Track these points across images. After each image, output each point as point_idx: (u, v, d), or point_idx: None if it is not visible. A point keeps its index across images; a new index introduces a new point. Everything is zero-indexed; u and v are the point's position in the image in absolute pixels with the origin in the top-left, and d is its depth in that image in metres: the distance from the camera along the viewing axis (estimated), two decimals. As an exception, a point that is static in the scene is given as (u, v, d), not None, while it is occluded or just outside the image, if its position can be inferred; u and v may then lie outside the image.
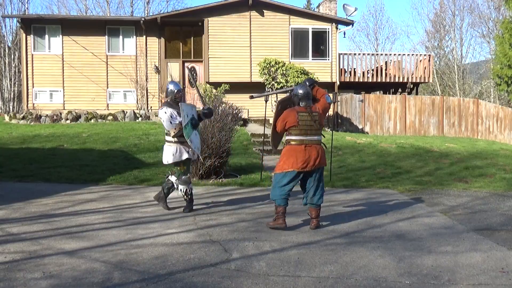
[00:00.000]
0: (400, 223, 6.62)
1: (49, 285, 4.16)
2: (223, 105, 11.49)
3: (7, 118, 22.20)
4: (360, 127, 22.66)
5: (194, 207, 7.38)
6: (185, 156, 7.10)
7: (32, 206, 7.57)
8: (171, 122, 7.02)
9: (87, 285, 4.16)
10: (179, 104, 7.08)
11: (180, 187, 7.18)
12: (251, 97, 7.73)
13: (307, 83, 6.45)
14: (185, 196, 7.22)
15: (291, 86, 19.39)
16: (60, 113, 21.39)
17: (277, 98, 6.31)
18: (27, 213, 7.04)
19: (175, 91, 7.24)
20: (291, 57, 22.68)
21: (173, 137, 7.07)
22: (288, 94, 6.58)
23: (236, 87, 20.86)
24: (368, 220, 6.79)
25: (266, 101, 7.75)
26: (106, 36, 22.64)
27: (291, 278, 4.41)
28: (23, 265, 4.68)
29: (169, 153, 7.10)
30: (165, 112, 7.06)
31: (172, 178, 7.27)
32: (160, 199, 7.38)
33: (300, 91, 6.22)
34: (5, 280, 4.25)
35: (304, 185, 6.33)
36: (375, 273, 4.57)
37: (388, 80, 23.90)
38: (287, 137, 6.26)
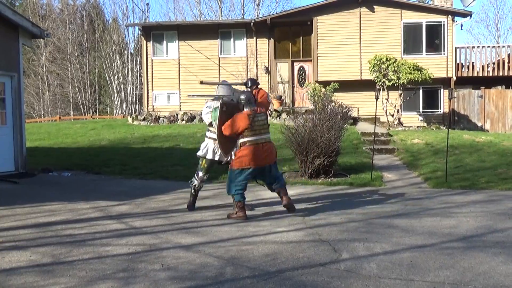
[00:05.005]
0: (526, 228, 6.11)
1: (167, 277, 4.41)
2: (332, 103, 11.40)
3: (130, 119, 23.94)
4: (479, 124, 21.26)
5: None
6: (209, 155, 7.17)
7: (152, 202, 8.09)
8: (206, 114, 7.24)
9: (202, 279, 4.35)
10: (217, 85, 7.32)
11: (194, 180, 7.30)
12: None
13: (249, 84, 7.19)
14: (192, 191, 7.31)
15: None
16: (177, 114, 22.60)
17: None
18: (148, 209, 7.54)
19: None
20: (403, 52, 21.89)
21: (209, 125, 7.20)
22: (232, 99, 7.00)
23: (346, 86, 20.58)
24: (489, 224, 6.36)
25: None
26: (219, 39, 23.50)
27: (403, 281, 4.27)
28: (144, 257, 5.01)
29: (202, 146, 7.26)
30: (206, 107, 7.26)
31: (194, 180, 7.33)
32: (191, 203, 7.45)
33: (242, 97, 6.75)
34: (129, 270, 4.59)
35: (262, 178, 6.91)
36: (497, 281, 4.27)
37: (511, 73, 22.19)
38: (242, 140, 6.67)
